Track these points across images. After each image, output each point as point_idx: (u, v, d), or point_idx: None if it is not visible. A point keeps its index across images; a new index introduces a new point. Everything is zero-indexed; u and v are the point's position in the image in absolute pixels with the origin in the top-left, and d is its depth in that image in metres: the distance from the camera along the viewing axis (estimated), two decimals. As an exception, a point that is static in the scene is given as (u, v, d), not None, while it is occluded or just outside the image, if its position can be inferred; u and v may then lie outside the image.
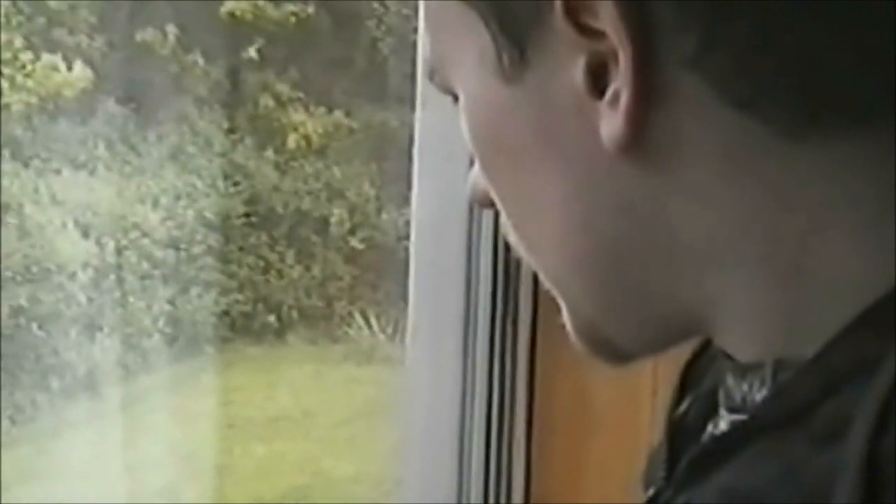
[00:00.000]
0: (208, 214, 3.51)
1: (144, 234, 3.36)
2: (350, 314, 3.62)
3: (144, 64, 3.53)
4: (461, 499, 1.45)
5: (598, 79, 0.56)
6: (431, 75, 0.64)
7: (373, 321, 3.54)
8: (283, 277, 3.63)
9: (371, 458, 3.17)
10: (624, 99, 0.55)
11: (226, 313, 3.49)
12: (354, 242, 3.66)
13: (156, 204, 3.42)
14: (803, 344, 0.55)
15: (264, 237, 3.63)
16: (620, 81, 0.55)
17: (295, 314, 3.63)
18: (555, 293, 0.64)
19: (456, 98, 0.63)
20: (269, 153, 3.70)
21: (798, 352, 0.55)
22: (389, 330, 3.42)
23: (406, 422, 1.54)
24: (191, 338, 3.41)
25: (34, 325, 3.13)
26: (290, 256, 3.64)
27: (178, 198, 3.46)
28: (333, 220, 3.67)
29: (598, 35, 0.55)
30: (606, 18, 0.54)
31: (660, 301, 0.61)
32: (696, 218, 0.57)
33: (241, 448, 3.39)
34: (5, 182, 3.22)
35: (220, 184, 3.59)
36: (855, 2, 0.55)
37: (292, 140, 3.69)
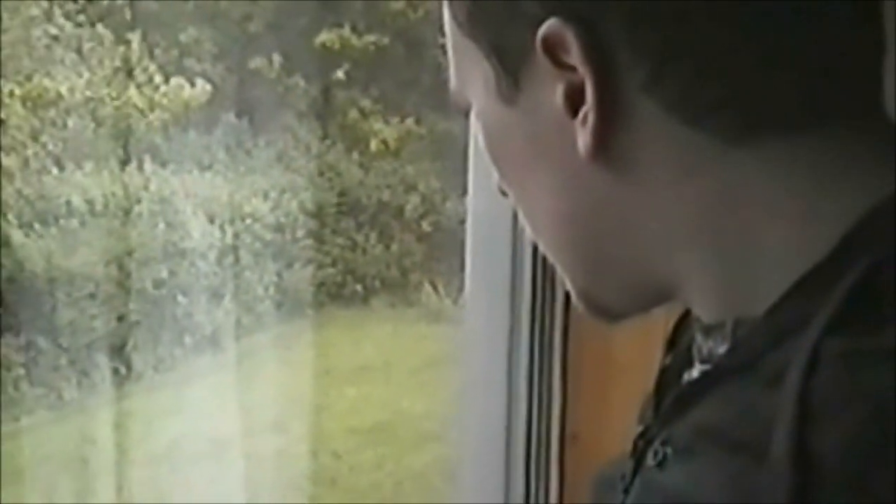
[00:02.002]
0: (307, 205, 3.52)
1: (256, 221, 3.38)
2: (421, 283, 3.63)
3: (255, 85, 3.55)
4: (509, 430, 1.45)
5: (573, 102, 0.56)
6: (453, 96, 0.65)
7: (440, 289, 3.54)
8: (367, 254, 3.64)
9: (438, 399, 3.17)
10: (591, 119, 0.56)
11: (321, 283, 3.51)
12: (424, 226, 3.65)
13: (265, 197, 3.44)
14: (755, 306, 0.55)
15: (352, 222, 3.64)
16: (588, 105, 0.55)
17: (377, 284, 3.64)
18: (556, 267, 0.64)
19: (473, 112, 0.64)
20: (355, 155, 3.71)
21: (751, 313, 0.55)
22: (452, 295, 3.41)
23: (466, 369, 1.54)
24: (294, 303, 3.43)
25: (172, 294, 3.16)
26: (372, 237, 3.65)
27: (283, 192, 3.48)
28: (407, 207, 3.66)
29: (570, 68, 0.56)
30: (575, 55, 0.55)
31: (635, 275, 0.61)
32: (658, 211, 0.57)
33: (335, 391, 3.41)
34: (151, 181, 3.26)
35: (317, 180, 3.60)
36: (780, 37, 0.54)
37: (373, 144, 3.70)
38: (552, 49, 0.56)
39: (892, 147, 0.57)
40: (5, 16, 3.06)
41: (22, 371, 3.00)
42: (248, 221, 3.36)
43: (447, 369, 3.02)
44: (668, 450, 0.58)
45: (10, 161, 3.09)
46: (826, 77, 0.55)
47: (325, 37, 3.62)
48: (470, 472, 1.50)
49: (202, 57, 3.49)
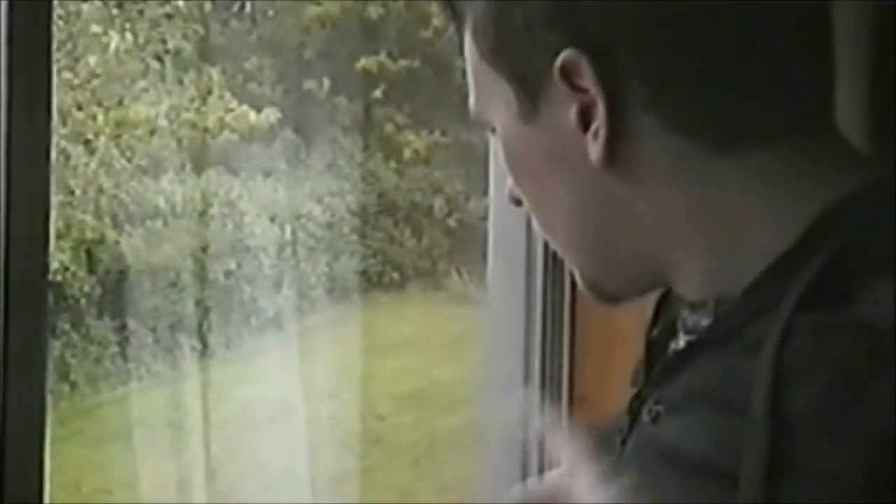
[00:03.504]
0: (352, 206, 3.52)
1: (310, 220, 3.38)
2: (448, 271, 3.62)
3: (308, 105, 3.55)
4: (526, 394, 1.45)
5: (585, 119, 0.57)
6: (475, 117, 0.65)
7: (464, 275, 3.53)
8: (402, 247, 3.63)
9: (465, 368, 3.17)
10: (601, 133, 0.56)
11: (365, 272, 3.50)
12: (450, 222, 3.65)
13: (318, 200, 3.44)
14: (735, 287, 0.56)
15: (389, 220, 3.63)
16: (599, 121, 0.56)
17: (411, 272, 3.63)
18: (566, 261, 0.65)
19: (493, 130, 0.64)
20: (392, 163, 3.70)
21: (731, 292, 0.56)
22: (475, 281, 3.40)
23: (488, 343, 1.54)
24: (342, 289, 3.43)
25: (239, 283, 3.18)
26: (407, 233, 3.64)
27: (332, 195, 3.48)
28: (436, 207, 3.66)
29: (583, 90, 0.56)
30: (588, 80, 0.56)
31: (636, 265, 0.61)
32: (656, 210, 0.58)
33: (378, 363, 3.40)
34: (222, 188, 3.27)
35: (359, 185, 3.60)
36: (759, 65, 0.55)
37: (407, 153, 3.69)
38: (568, 74, 0.56)
39: (850, 150, 0.57)
40: (99, 50, 3.09)
41: (116, 348, 3.03)
42: (303, 221, 3.36)
43: (473, 344, 3.02)
44: (661, 408, 0.58)
45: (104, 173, 3.13)
46: (796, 96, 0.56)
47: (365, 62, 3.63)
48: (492, 432, 1.50)
49: (263, 81, 3.50)
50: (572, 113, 0.57)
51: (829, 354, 0.50)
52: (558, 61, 0.56)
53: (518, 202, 0.65)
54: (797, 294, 0.52)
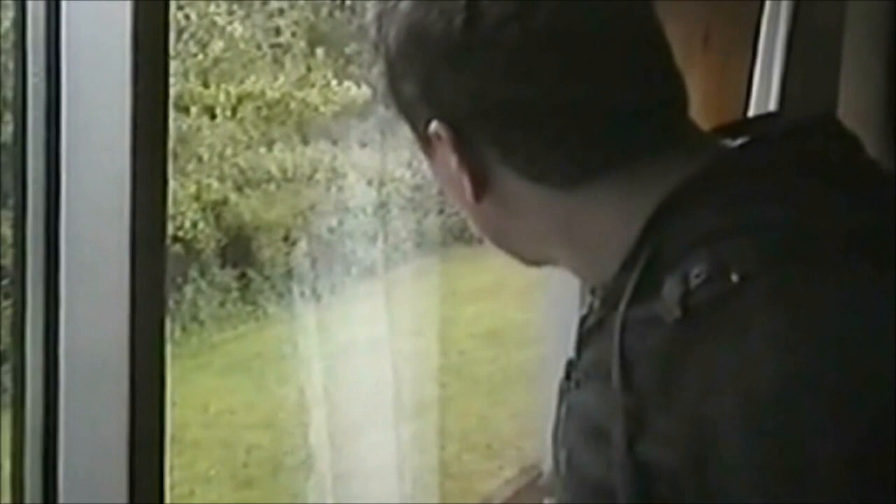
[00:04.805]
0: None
1: (401, 183, 3.41)
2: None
3: (399, 83, 3.55)
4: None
5: (461, 167, 0.64)
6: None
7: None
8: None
9: (536, 311, 3.17)
10: (468, 182, 0.65)
11: (449, 228, 3.53)
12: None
13: (408, 165, 3.47)
14: (606, 277, 0.63)
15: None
16: (466, 174, 0.65)
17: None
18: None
19: None
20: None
21: (605, 280, 0.63)
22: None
23: (551, 290, 1.56)
24: (429, 243, 3.47)
25: (341, 238, 3.24)
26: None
27: (419, 161, 3.47)
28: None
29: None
30: (451, 144, 0.64)
31: (537, 257, 0.70)
32: (529, 229, 0.67)
33: (459, 306, 3.46)
34: (325, 156, 3.33)
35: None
36: (588, 123, 0.61)
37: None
38: (438, 137, 0.64)
39: (684, 150, 0.62)
40: (223, 37, 3.15)
41: (237, 293, 3.14)
42: (395, 184, 3.40)
43: (540, 290, 3.02)
44: (581, 375, 0.66)
45: (227, 143, 3.21)
46: (623, 137, 0.62)
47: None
48: (556, 365, 1.51)
49: (361, 64, 3.52)
50: (453, 162, 0.64)
51: (647, 347, 0.57)
52: (430, 129, 0.64)
53: None
54: (629, 291, 0.59)
